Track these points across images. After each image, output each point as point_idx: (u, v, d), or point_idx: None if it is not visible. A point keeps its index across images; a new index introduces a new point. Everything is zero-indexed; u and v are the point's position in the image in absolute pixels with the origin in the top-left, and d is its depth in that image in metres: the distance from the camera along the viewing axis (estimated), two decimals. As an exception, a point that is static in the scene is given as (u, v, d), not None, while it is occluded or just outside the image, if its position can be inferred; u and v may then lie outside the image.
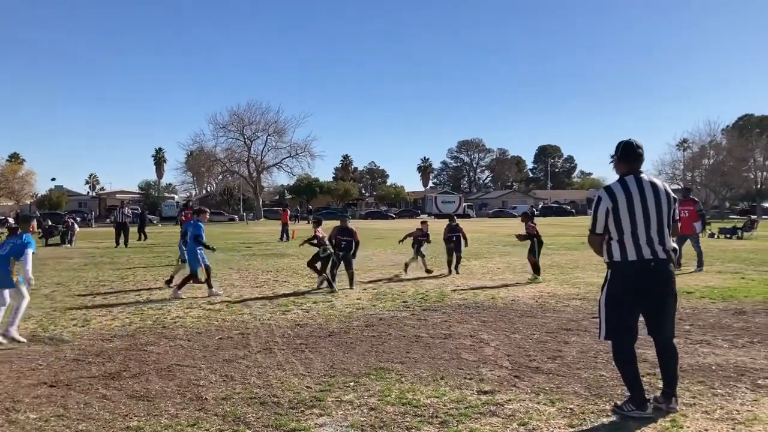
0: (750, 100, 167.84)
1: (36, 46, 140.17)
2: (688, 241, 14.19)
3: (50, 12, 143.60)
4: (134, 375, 5.80)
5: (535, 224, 13.12)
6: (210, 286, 11.03)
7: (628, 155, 4.60)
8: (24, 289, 7.34)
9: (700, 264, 14.01)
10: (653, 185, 4.52)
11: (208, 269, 11.05)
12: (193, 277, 10.97)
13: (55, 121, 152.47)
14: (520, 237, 13.23)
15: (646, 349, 5.52)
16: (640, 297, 4.50)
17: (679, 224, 4.65)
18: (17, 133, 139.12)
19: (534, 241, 12.79)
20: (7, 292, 7.29)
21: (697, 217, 14.37)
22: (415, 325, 8.04)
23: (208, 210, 12.26)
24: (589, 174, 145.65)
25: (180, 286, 10.83)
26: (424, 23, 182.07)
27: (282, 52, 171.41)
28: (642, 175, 4.55)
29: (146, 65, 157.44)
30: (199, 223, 11.22)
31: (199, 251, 10.97)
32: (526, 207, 65.48)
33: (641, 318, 4.61)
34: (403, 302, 9.92)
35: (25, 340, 7.18)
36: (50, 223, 30.13)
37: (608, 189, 4.56)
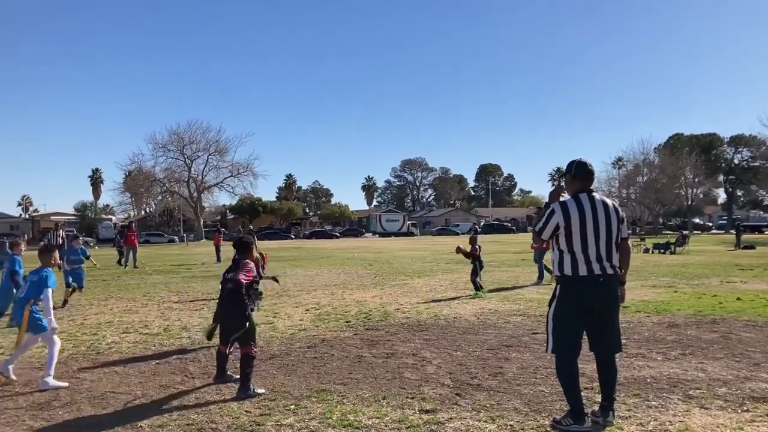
0: (680, 120, 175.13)
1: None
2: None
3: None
4: (65, 404, 5.56)
5: (478, 246, 13.67)
6: None
7: (580, 174, 4.73)
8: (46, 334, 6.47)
9: (540, 277, 15.36)
10: (604, 204, 4.65)
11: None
12: None
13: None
14: (464, 253, 13.60)
15: (584, 364, 5.62)
16: (587, 312, 4.60)
17: (624, 243, 4.79)
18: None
19: (475, 263, 13.46)
20: (29, 336, 6.53)
21: None
22: (358, 345, 7.99)
23: (23, 242, 10.76)
24: (529, 192, 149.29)
25: None
26: (365, 41, 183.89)
27: (224, 70, 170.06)
28: (594, 194, 4.68)
29: (80, 81, 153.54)
30: (16, 257, 9.97)
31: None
32: (469, 224, 66.43)
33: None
34: (347, 322, 9.85)
35: (65, 385, 6.24)
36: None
37: (563, 204, 4.65)
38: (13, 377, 6.46)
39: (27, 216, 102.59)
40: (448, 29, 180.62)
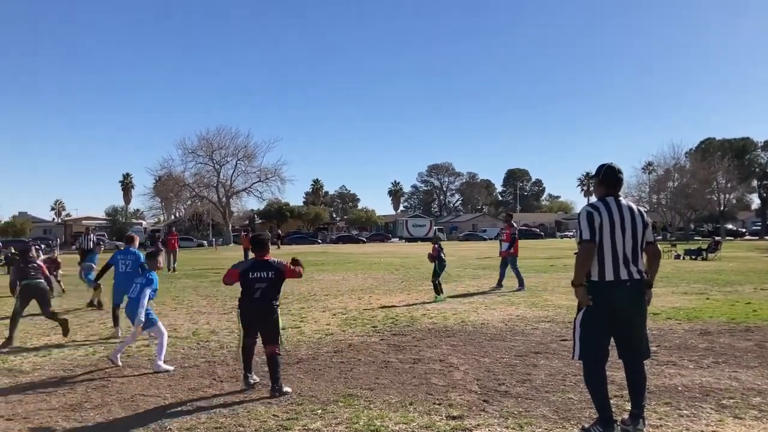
0: (711, 125, 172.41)
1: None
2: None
3: (7, 33, 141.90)
4: (96, 406, 5.65)
5: (439, 248, 13.82)
6: None
7: (609, 178, 4.71)
8: (160, 325, 7.61)
9: (520, 284, 15.36)
10: (630, 209, 4.62)
11: None
12: None
13: (20, 146, 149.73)
14: (430, 257, 13.92)
15: (613, 371, 5.55)
16: (614, 317, 4.54)
17: (653, 247, 4.72)
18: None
19: (435, 264, 13.68)
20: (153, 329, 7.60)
21: (510, 240, 15.75)
22: (385, 350, 7.99)
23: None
24: (558, 197, 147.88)
25: None
26: (391, 45, 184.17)
27: (252, 76, 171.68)
28: (620, 199, 4.65)
29: (112, 88, 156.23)
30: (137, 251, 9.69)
31: None
32: (497, 230, 66.02)
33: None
34: (373, 327, 9.86)
35: (171, 368, 7.14)
36: (13, 251, 29.43)
37: (594, 206, 4.63)
38: (119, 364, 7.33)
39: (59, 220, 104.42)
40: (478, 32, 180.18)
